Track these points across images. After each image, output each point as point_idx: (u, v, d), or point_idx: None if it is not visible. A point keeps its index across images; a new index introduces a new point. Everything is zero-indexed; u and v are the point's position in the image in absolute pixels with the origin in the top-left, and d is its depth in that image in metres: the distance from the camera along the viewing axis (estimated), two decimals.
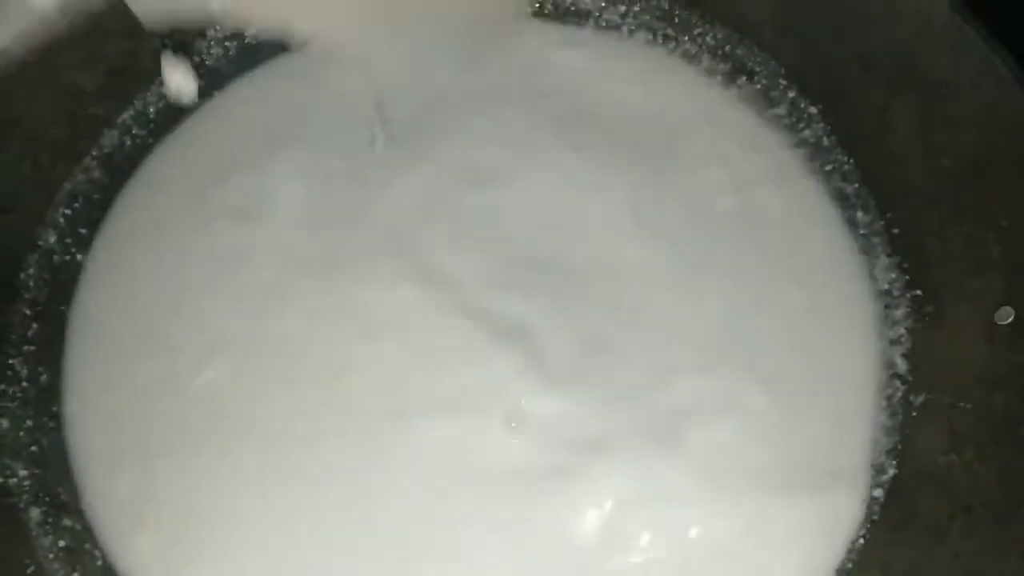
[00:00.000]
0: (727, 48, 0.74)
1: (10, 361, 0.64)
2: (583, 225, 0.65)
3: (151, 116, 0.73)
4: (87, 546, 0.58)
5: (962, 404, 0.57)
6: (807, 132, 0.71)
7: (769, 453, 0.57)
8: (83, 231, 0.68)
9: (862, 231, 0.68)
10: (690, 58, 0.75)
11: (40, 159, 0.68)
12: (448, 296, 0.61)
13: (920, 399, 0.60)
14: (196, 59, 0.73)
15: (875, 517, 0.58)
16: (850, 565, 0.56)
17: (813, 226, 0.68)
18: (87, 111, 0.71)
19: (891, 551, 0.55)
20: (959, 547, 0.52)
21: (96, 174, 0.71)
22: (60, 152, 0.69)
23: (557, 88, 0.71)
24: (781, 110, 0.72)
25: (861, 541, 0.57)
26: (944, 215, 0.63)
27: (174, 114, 0.73)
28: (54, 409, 0.62)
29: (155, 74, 0.74)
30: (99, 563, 0.58)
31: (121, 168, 0.71)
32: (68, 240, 0.68)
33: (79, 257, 0.67)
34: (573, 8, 0.76)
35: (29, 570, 0.57)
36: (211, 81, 0.73)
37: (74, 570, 0.58)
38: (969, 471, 0.55)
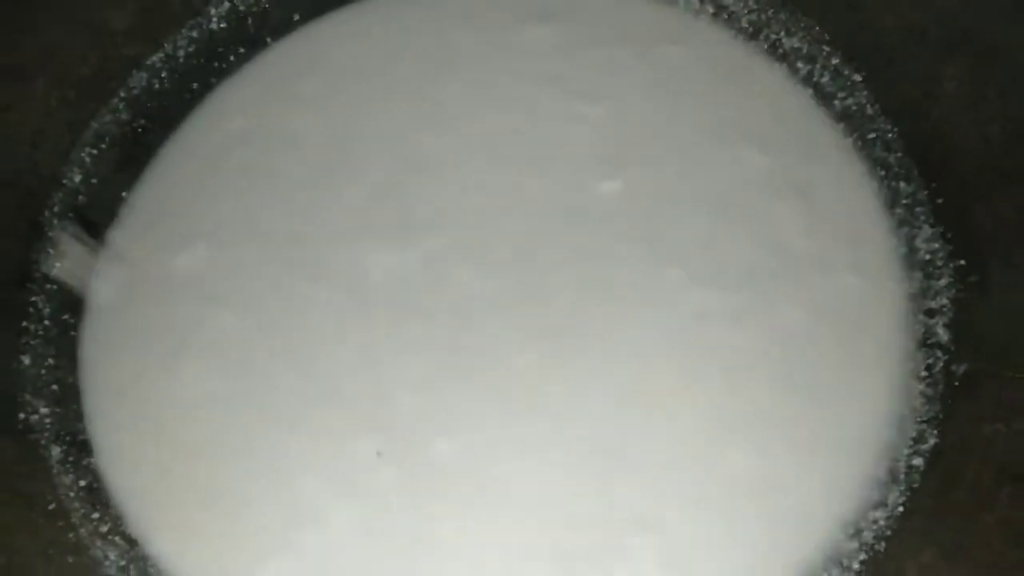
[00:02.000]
0: (770, 12, 0.73)
1: (33, 299, 0.62)
2: None
3: (180, 59, 0.72)
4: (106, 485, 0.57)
5: (1008, 373, 0.56)
6: (850, 100, 0.70)
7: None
8: (108, 172, 0.67)
9: (904, 201, 0.66)
10: (730, 21, 0.73)
11: (67, 96, 0.67)
12: None
13: (962, 369, 0.59)
14: None
15: (915, 485, 0.56)
16: (889, 532, 0.55)
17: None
18: (117, 51, 0.69)
19: (934, 519, 0.54)
20: (1008, 515, 0.51)
21: (124, 116, 0.69)
22: (88, 90, 0.68)
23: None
24: (824, 77, 0.71)
25: (900, 508, 0.56)
26: (991, 184, 0.62)
27: (205, 59, 0.72)
28: (75, 349, 0.61)
29: (186, 17, 0.73)
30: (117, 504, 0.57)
31: (149, 111, 0.69)
32: (93, 180, 0.67)
33: (104, 197, 0.66)
34: None
35: (51, 507, 0.56)
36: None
37: (94, 509, 0.57)
38: (1017, 440, 0.53)
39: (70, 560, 0.54)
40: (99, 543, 0.55)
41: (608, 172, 0.64)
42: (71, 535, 0.55)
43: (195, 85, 0.70)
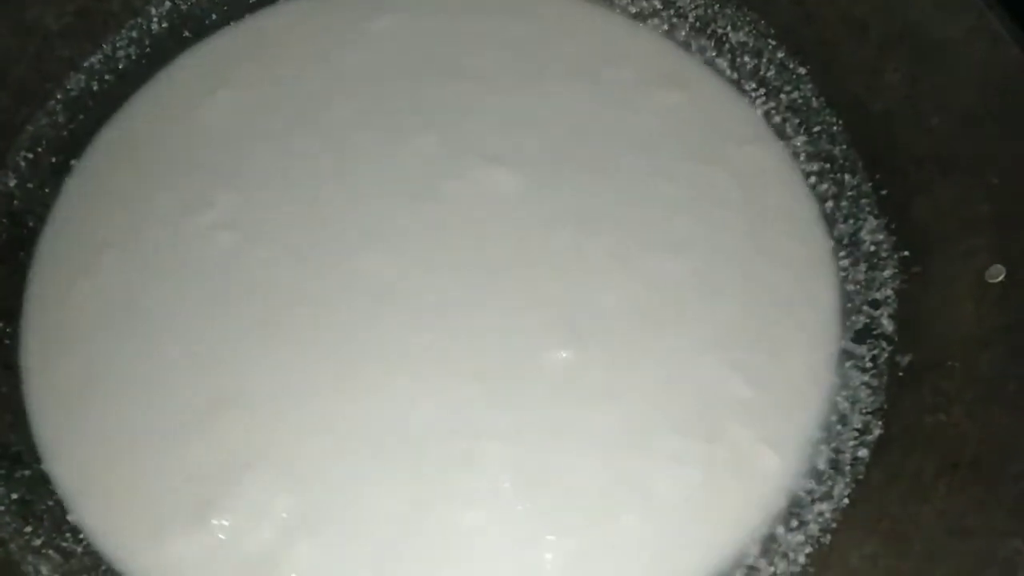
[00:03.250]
0: (716, 6, 0.73)
1: None
2: None
3: (120, 61, 0.70)
4: (42, 498, 0.55)
5: (950, 363, 0.56)
6: (796, 94, 0.70)
7: None
8: (45, 176, 0.65)
9: (849, 193, 0.66)
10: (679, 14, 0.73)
11: (1, 99, 0.65)
12: None
13: (907, 359, 0.59)
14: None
15: (860, 477, 0.56)
16: (835, 525, 0.55)
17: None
18: (53, 52, 0.68)
19: (878, 510, 0.54)
20: (946, 505, 0.51)
21: (60, 118, 0.68)
22: (23, 93, 0.66)
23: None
24: (770, 71, 0.71)
25: (846, 501, 0.56)
26: (934, 175, 0.62)
27: (146, 60, 0.70)
28: (10, 359, 0.60)
29: (125, 18, 0.71)
30: (55, 516, 0.55)
31: (88, 112, 0.68)
32: (29, 185, 0.65)
33: (40, 203, 0.64)
34: None
35: None
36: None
37: (27, 523, 0.55)
38: (956, 430, 0.54)
39: None
40: (30, 558, 0.54)
41: None
42: None
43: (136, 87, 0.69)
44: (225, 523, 0.53)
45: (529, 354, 0.57)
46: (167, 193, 0.63)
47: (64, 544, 0.54)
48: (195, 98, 0.67)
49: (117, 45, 0.71)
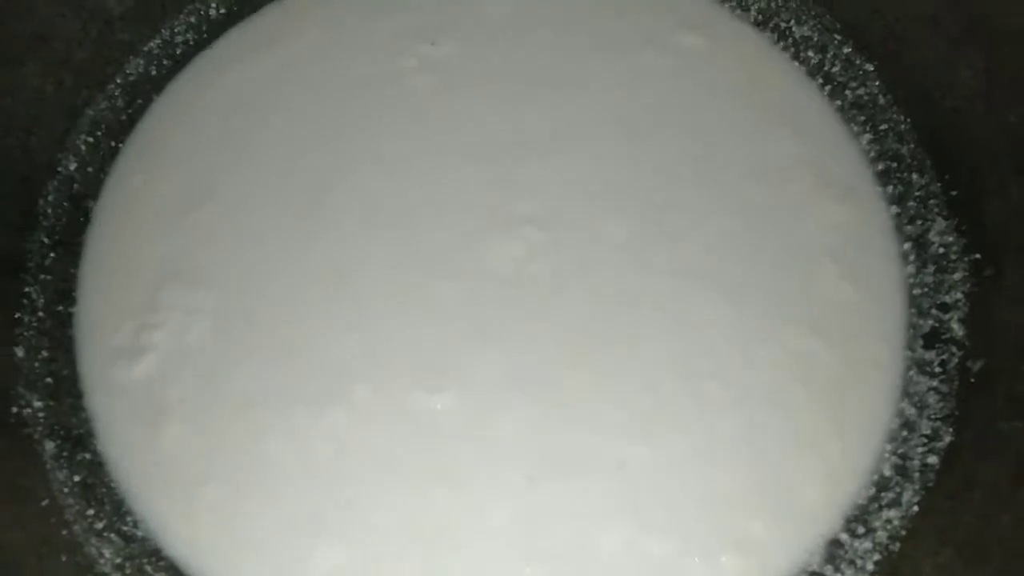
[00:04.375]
0: (779, 0, 0.71)
1: (27, 289, 0.61)
2: None
3: (177, 46, 0.70)
4: (104, 480, 0.56)
5: None
6: (861, 91, 0.68)
7: None
8: (103, 159, 0.65)
9: (917, 193, 0.65)
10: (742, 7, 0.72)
11: (64, 80, 0.65)
12: None
13: (979, 365, 0.58)
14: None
15: (930, 484, 0.55)
16: (904, 533, 0.54)
17: None
18: (114, 36, 0.68)
19: (949, 519, 0.53)
20: None
21: (120, 102, 0.68)
22: (84, 76, 0.66)
23: None
24: (835, 67, 0.69)
25: (915, 508, 0.54)
26: (1007, 175, 0.60)
27: (203, 45, 0.70)
28: (69, 342, 0.60)
29: (184, 3, 0.71)
30: (115, 498, 0.55)
31: (146, 97, 0.68)
32: (89, 168, 0.65)
33: (99, 186, 0.64)
34: None
35: (43, 503, 0.54)
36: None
37: (89, 506, 0.55)
38: None
39: (63, 559, 0.53)
40: (94, 540, 0.54)
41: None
42: (64, 532, 0.54)
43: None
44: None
45: None
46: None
47: (125, 528, 0.54)
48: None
49: (175, 30, 0.71)
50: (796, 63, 0.69)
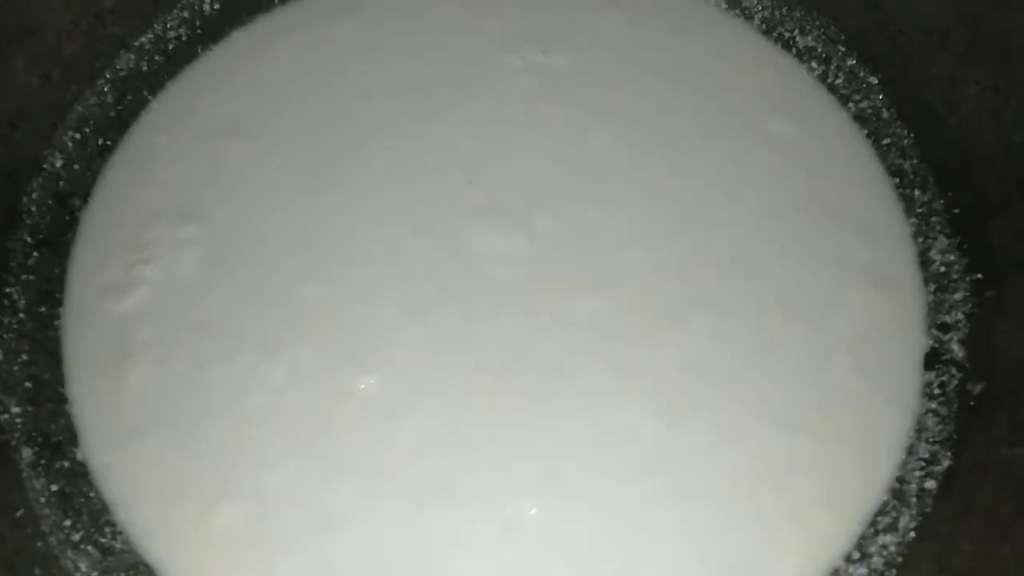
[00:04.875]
0: (784, 8, 0.70)
1: (7, 290, 0.59)
2: None
3: (169, 41, 0.69)
4: (82, 489, 0.54)
5: None
6: (865, 104, 0.67)
7: None
8: (91, 157, 0.64)
9: (919, 210, 0.64)
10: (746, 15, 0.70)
11: (51, 74, 0.63)
12: None
13: (979, 388, 0.57)
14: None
15: (927, 510, 0.54)
16: (900, 559, 0.53)
17: None
18: (105, 29, 0.66)
19: (948, 546, 0.52)
20: None
21: (109, 98, 0.66)
22: (73, 70, 0.65)
23: None
24: (839, 79, 0.68)
25: (912, 535, 0.53)
26: (1012, 194, 0.59)
27: (195, 41, 0.69)
28: (51, 345, 0.58)
29: None
30: (94, 509, 0.54)
31: (136, 94, 0.66)
32: (76, 166, 0.64)
33: (85, 184, 0.63)
34: None
35: (18, 513, 0.53)
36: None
37: (66, 516, 0.53)
38: None
39: (37, 572, 0.51)
40: (70, 553, 0.52)
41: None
42: (39, 544, 0.52)
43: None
44: None
45: None
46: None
47: (103, 540, 0.53)
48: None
49: (168, 25, 0.69)
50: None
